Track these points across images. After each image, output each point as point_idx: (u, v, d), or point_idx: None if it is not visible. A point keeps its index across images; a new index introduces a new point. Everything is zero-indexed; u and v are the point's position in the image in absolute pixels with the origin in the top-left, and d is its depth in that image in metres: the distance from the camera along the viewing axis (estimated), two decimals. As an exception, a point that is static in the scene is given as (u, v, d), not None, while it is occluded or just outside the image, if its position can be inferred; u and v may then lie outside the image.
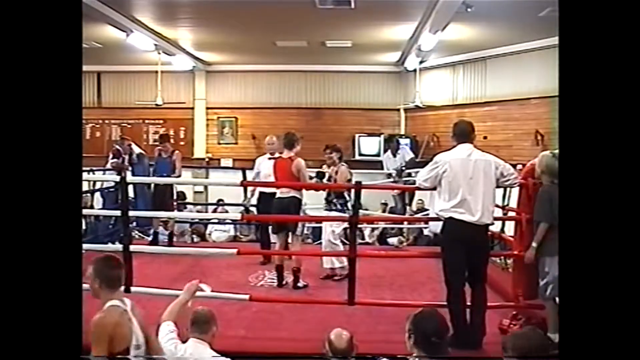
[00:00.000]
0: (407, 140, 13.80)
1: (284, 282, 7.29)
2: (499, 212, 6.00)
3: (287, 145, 7.40)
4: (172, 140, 11.32)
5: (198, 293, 4.55)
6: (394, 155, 11.00)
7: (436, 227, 5.95)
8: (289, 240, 7.38)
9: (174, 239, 9.76)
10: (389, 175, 11.06)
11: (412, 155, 10.76)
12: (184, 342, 4.02)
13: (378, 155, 14.49)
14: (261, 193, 8.49)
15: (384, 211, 13.00)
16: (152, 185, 9.50)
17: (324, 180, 7.77)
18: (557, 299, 5.04)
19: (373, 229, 12.59)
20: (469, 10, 8.60)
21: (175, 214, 6.49)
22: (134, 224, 9.86)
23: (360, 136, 15.46)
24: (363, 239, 12.20)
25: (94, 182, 10.27)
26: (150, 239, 9.59)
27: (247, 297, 6.01)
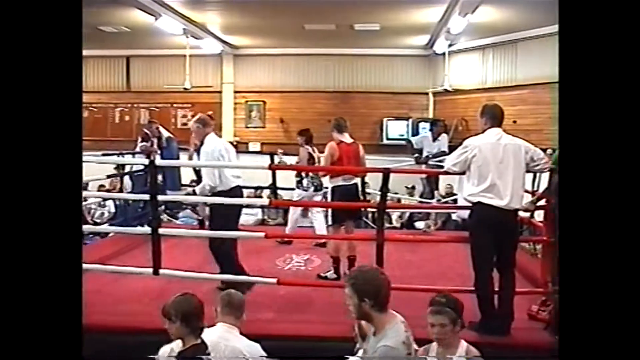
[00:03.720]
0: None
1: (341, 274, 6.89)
2: (528, 198, 5.93)
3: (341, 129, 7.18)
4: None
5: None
6: (434, 140, 10.81)
7: (464, 212, 5.91)
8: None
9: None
10: (417, 154, 10.75)
11: (447, 148, 10.46)
12: (210, 326, 3.95)
13: (406, 139, 14.41)
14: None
15: (410, 195, 12.95)
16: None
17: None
18: None
19: (401, 214, 12.56)
20: (499, -8, 8.49)
21: (203, 198, 6.48)
22: (163, 207, 9.93)
23: (388, 120, 15.39)
24: (390, 222, 12.19)
25: (124, 165, 10.36)
26: (178, 222, 9.68)
27: (274, 280, 6.03)
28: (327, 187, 7.64)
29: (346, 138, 7.08)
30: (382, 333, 3.29)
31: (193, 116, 10.04)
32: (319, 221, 8.85)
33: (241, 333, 3.96)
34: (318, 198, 8.75)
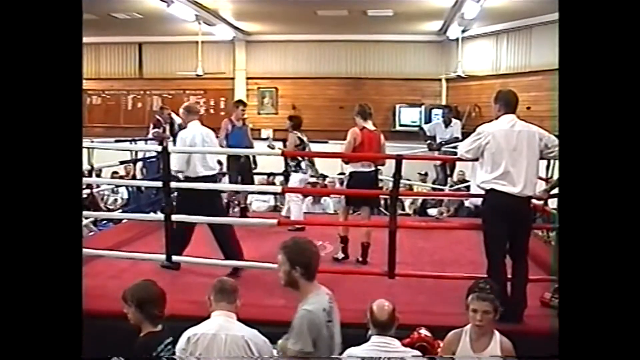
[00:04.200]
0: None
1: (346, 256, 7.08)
2: (542, 185, 5.89)
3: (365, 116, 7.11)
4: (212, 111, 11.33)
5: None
6: (446, 127, 10.75)
7: (477, 198, 5.88)
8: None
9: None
10: (430, 141, 10.69)
11: (460, 134, 10.39)
12: (206, 318, 3.88)
13: (419, 125, 14.36)
14: None
15: (423, 182, 12.92)
16: (231, 158, 9.73)
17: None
18: None
19: (413, 200, 12.53)
20: (514, -24, 8.41)
21: (216, 185, 6.48)
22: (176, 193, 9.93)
23: (400, 106, 15.34)
24: (403, 209, 12.16)
25: (136, 152, 10.38)
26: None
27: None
28: (343, 174, 7.66)
29: (369, 125, 7.06)
30: (305, 300, 3.46)
31: (205, 103, 10.09)
32: (296, 208, 9.00)
33: (238, 319, 3.92)
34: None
